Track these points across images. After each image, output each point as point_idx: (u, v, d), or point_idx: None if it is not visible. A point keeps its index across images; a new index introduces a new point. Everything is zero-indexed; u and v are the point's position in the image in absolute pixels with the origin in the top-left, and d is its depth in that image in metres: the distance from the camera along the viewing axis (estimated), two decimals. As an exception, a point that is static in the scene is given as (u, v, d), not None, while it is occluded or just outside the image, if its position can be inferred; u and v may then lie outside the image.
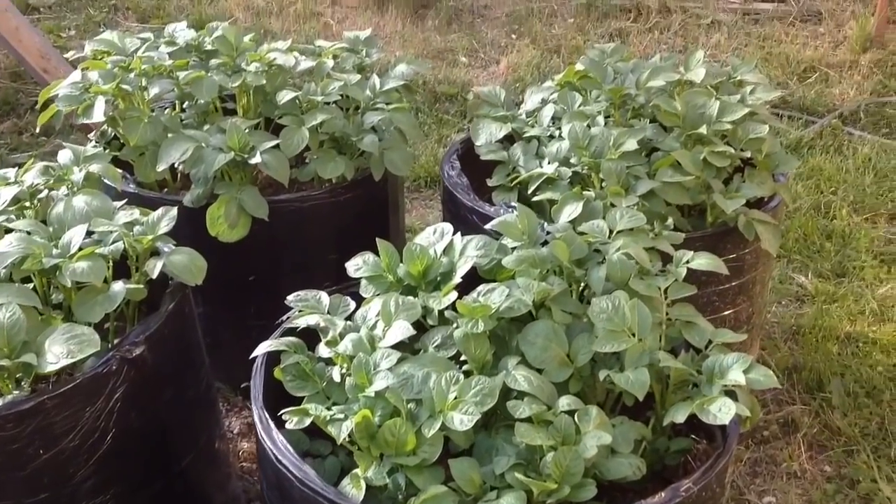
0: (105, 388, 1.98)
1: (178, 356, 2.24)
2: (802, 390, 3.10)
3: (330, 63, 3.02)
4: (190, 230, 2.59)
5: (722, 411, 1.74)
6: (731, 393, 1.80)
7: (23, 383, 1.98)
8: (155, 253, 2.25)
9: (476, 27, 6.30)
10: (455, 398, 1.71)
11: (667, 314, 1.97)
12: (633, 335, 1.84)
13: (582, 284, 2.07)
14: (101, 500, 2.03)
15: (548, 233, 2.17)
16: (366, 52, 3.19)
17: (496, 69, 5.63)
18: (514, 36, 6.15)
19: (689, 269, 2.06)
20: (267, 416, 1.86)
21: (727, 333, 1.94)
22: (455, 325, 1.93)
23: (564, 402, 1.77)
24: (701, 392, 1.82)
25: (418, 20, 6.32)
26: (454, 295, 1.98)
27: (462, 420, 1.69)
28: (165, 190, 2.96)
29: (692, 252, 2.10)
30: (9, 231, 2.19)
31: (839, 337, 3.32)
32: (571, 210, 2.37)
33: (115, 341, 2.15)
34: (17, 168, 2.44)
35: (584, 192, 2.44)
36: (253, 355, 1.96)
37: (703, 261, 2.04)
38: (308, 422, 1.76)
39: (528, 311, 1.92)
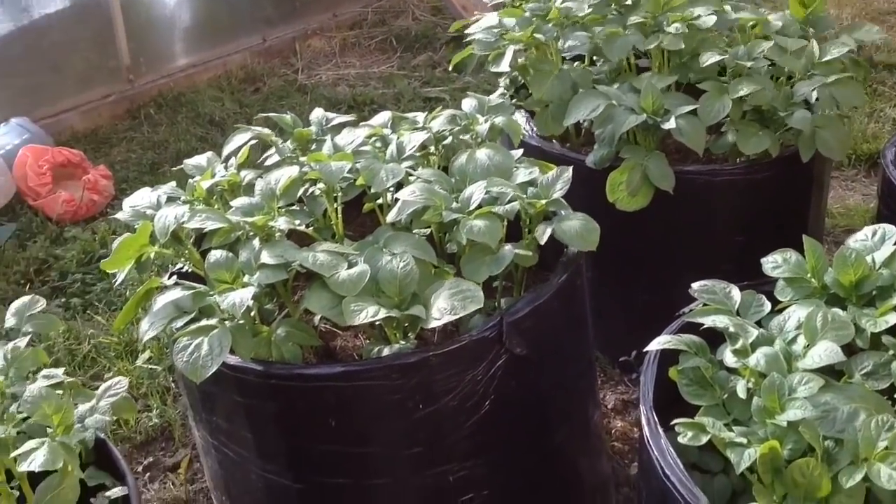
0: (489, 354, 1.91)
1: (564, 329, 2.13)
2: None
3: (758, 22, 2.71)
4: (584, 191, 2.45)
5: None
6: None
7: (409, 335, 1.97)
8: (547, 216, 2.15)
9: (935, -19, 5.51)
10: (885, 448, 1.42)
11: None
12: None
13: None
14: (472, 464, 1.98)
15: None
16: (804, 12, 2.82)
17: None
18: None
19: None
20: (656, 419, 1.68)
21: None
22: (892, 353, 1.62)
23: None
24: None
25: (863, -28, 5.65)
26: (894, 317, 1.66)
27: (891, 476, 1.39)
28: (567, 144, 2.85)
29: None
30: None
31: None
32: None
33: (502, 305, 2.07)
34: (426, 113, 2.44)
35: None
36: (648, 349, 1.78)
37: None
38: (704, 440, 1.54)
39: None
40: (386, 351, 1.90)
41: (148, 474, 2.73)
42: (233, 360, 1.88)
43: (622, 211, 2.52)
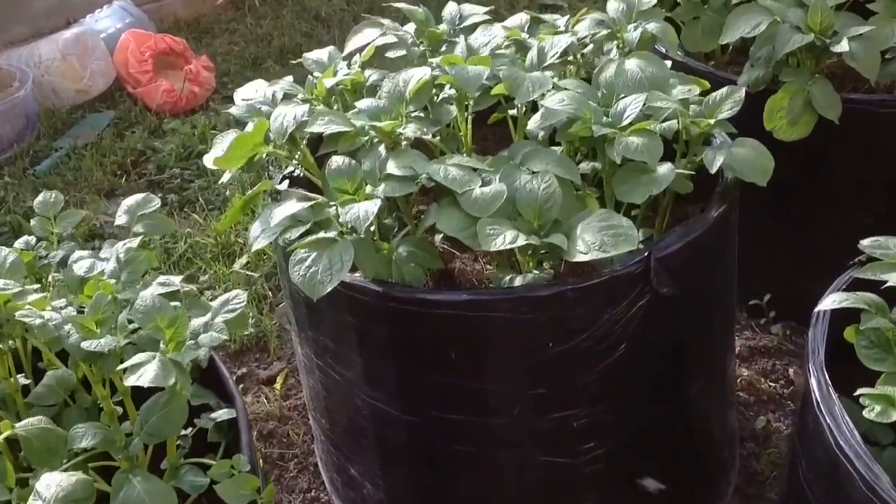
0: (631, 292, 1.71)
1: (715, 269, 1.91)
2: None
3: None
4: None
5: None
6: None
7: (544, 265, 1.78)
8: (707, 140, 1.92)
9: None
10: None
11: None
12: None
13: None
14: (600, 409, 1.80)
15: None
16: None
17: None
18: None
19: None
20: (829, 382, 1.47)
21: None
22: None
23: None
24: None
25: None
26: None
27: None
28: (712, 63, 2.59)
29: None
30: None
31: None
32: None
33: (640, 235, 1.86)
34: (567, 17, 2.20)
35: None
36: (822, 308, 1.55)
37: None
38: (894, 416, 1.33)
39: None
40: (518, 281, 1.71)
41: (241, 385, 2.61)
42: (347, 277, 1.71)
43: (768, 140, 2.26)
